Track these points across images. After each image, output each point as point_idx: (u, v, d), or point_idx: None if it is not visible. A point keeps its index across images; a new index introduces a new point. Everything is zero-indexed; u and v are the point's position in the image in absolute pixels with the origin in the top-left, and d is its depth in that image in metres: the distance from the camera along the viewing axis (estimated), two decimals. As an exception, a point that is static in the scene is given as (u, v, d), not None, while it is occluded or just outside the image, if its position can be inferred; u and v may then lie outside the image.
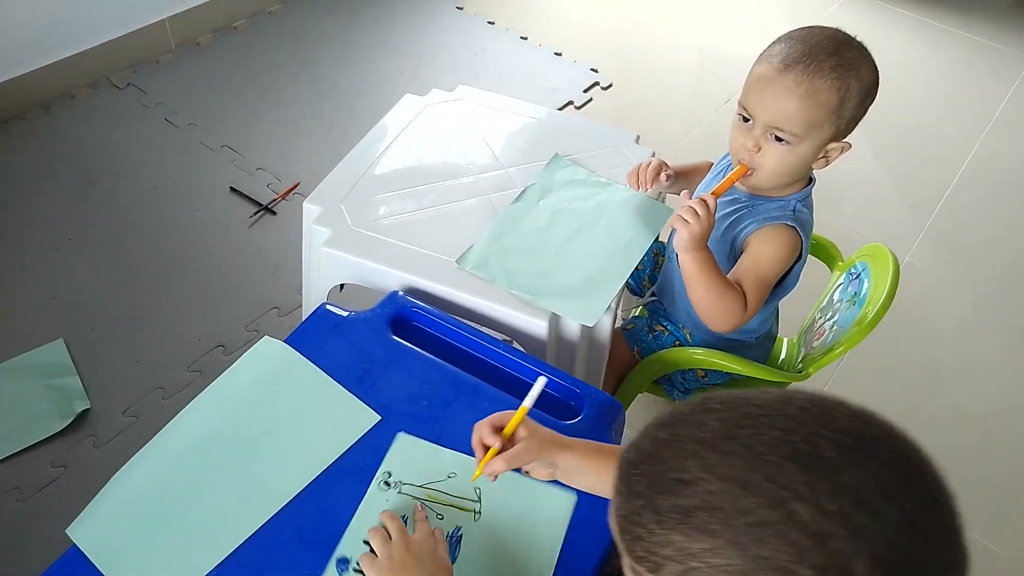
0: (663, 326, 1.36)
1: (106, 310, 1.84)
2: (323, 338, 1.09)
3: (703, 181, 1.33)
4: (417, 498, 0.92)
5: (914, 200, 2.38)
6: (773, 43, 1.10)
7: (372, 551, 0.83)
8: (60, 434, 1.60)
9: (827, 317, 1.34)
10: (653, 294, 1.41)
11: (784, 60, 1.06)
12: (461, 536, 0.89)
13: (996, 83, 2.88)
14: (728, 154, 1.26)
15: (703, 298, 1.14)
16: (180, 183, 2.17)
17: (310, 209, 1.30)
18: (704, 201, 1.08)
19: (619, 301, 1.23)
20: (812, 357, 1.29)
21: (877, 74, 1.08)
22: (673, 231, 1.13)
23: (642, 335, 1.37)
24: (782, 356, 1.44)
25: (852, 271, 1.33)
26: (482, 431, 0.87)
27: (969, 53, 3.03)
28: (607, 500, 0.58)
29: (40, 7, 2.25)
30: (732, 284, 1.14)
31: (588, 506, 0.92)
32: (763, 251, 1.16)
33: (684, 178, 1.36)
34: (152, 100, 2.42)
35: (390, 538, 0.83)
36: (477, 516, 0.91)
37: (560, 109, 2.54)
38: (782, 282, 1.22)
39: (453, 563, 0.86)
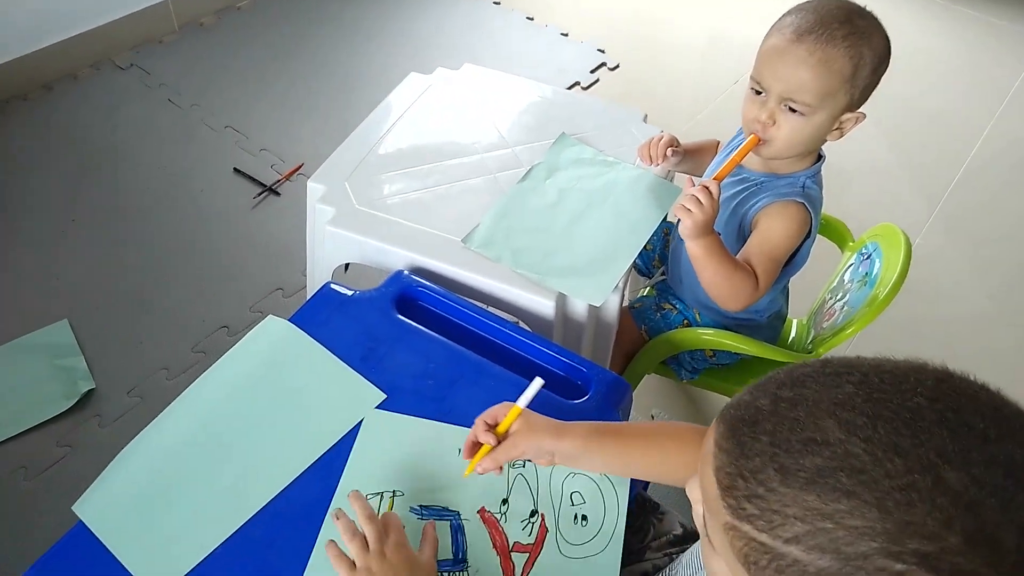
0: (672, 305, 1.35)
1: (110, 291, 1.84)
2: (328, 317, 1.08)
3: (712, 162, 1.31)
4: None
5: (925, 182, 2.36)
6: (784, 15, 1.09)
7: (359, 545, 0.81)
8: (65, 414, 1.60)
9: (837, 298, 1.33)
10: (663, 273, 1.40)
11: (796, 30, 1.05)
12: (461, 525, 0.87)
13: (1009, 64, 2.85)
14: (737, 135, 1.24)
15: (713, 281, 1.13)
16: (183, 164, 2.16)
17: (314, 188, 1.29)
18: (706, 187, 1.07)
19: (627, 281, 1.22)
20: (822, 338, 1.27)
21: (889, 42, 1.07)
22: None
23: (650, 314, 1.36)
24: (791, 337, 1.43)
25: (863, 251, 1.32)
26: (477, 428, 0.87)
27: (983, 34, 2.99)
28: None
29: (42, -14, 2.24)
30: (741, 264, 1.12)
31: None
32: (772, 228, 1.15)
33: (692, 156, 1.35)
34: (155, 81, 2.41)
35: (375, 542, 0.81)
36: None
37: (567, 90, 2.51)
38: (791, 260, 1.20)
39: (463, 555, 0.85)
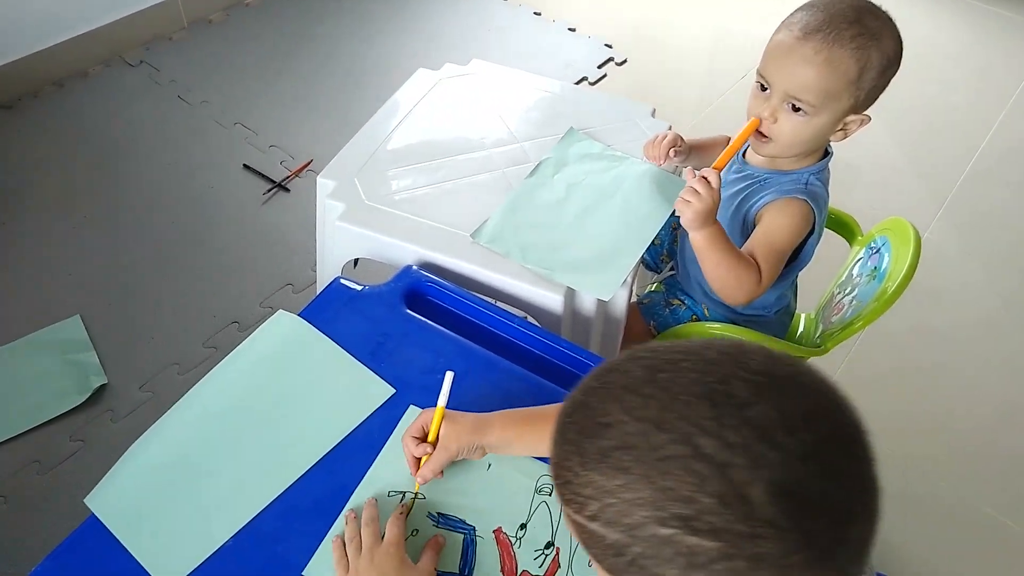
0: (680, 300, 1.35)
1: (121, 287, 1.85)
2: (337, 312, 1.09)
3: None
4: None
5: (933, 177, 2.34)
6: (795, 10, 1.08)
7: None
8: (78, 409, 1.61)
9: (846, 292, 1.32)
10: (671, 268, 1.40)
11: (804, 28, 1.04)
12: (475, 541, 0.87)
13: (1020, 58, 2.82)
14: None
15: (715, 272, 1.13)
16: (193, 161, 2.17)
17: (324, 183, 1.29)
18: (705, 178, 1.06)
19: (635, 276, 1.22)
20: (830, 332, 1.27)
21: (900, 45, 1.05)
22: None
23: (659, 309, 1.36)
24: (800, 331, 1.42)
25: (872, 245, 1.31)
26: (408, 445, 0.88)
27: (993, 27, 2.97)
28: None
29: (52, -16, 2.25)
30: (744, 256, 1.12)
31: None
32: (775, 223, 1.14)
33: (700, 152, 1.34)
34: (165, 78, 2.42)
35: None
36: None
37: (575, 85, 2.51)
38: (797, 256, 1.20)
39: (469, 572, 0.85)
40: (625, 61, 2.65)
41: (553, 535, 0.88)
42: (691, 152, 1.33)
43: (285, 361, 1.02)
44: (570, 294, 1.16)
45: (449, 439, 0.87)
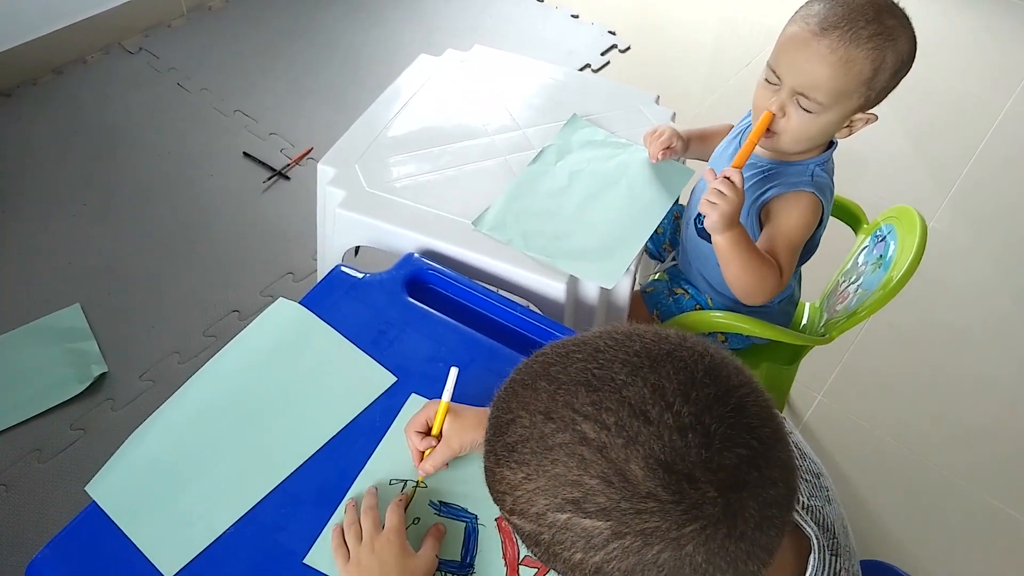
0: (684, 289, 1.34)
1: (122, 275, 1.84)
2: (338, 300, 1.08)
3: (720, 146, 1.29)
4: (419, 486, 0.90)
5: (939, 165, 2.33)
6: (811, 1, 1.04)
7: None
8: (78, 397, 1.61)
9: (851, 280, 1.31)
10: (674, 257, 1.39)
11: (821, 23, 1.00)
12: (476, 529, 0.87)
13: (1022, 45, 2.80)
14: (747, 116, 1.22)
15: (738, 275, 1.11)
16: (193, 148, 2.16)
17: (324, 170, 1.28)
18: (728, 178, 1.04)
19: (638, 264, 1.21)
20: (835, 321, 1.26)
21: (914, 45, 1.02)
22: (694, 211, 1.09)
23: (662, 298, 1.35)
24: (804, 320, 1.41)
25: (877, 233, 1.30)
26: (412, 438, 0.88)
27: (998, 14, 2.94)
28: None
29: (51, -30, 2.23)
30: (766, 256, 1.11)
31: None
32: (788, 219, 1.13)
33: (701, 142, 1.33)
34: (164, 65, 2.40)
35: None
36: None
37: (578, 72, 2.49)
38: (806, 247, 1.19)
39: (471, 559, 0.85)
40: (628, 48, 2.63)
41: None
42: (691, 143, 1.31)
43: (286, 349, 1.02)
44: (573, 282, 1.15)
45: (452, 436, 0.87)
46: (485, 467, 0.57)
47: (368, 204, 1.22)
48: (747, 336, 1.32)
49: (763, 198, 1.15)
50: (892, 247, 1.24)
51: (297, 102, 2.32)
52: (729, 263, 1.11)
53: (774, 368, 1.37)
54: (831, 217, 1.36)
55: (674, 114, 1.42)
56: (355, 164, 1.28)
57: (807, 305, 1.44)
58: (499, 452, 0.55)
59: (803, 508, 0.67)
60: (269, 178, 2.09)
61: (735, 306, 1.29)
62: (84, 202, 2.00)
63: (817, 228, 1.17)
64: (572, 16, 2.74)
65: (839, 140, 1.14)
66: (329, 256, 1.33)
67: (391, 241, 1.21)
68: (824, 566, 0.64)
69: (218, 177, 2.09)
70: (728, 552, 0.49)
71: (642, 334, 0.54)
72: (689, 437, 0.48)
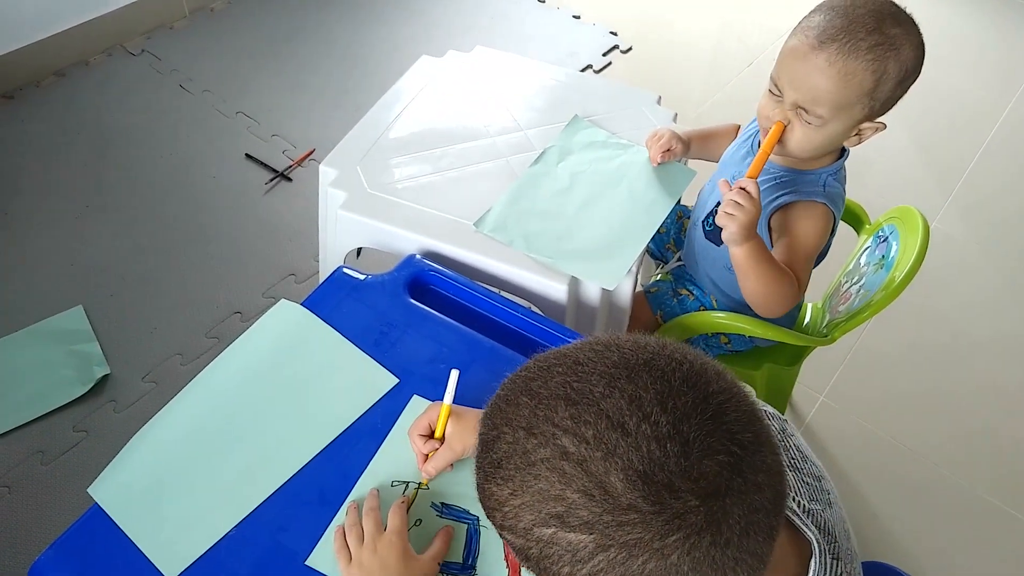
0: (688, 290, 1.34)
1: (124, 277, 1.85)
2: (340, 301, 1.08)
3: (730, 148, 1.28)
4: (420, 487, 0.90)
5: (941, 165, 2.32)
6: (813, 11, 1.03)
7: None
8: (81, 399, 1.61)
9: (853, 281, 1.31)
10: (679, 258, 1.39)
11: (820, 36, 0.99)
12: (479, 531, 0.87)
13: (1028, 45, 2.80)
14: (753, 122, 1.22)
15: (756, 288, 1.10)
16: (195, 150, 2.16)
17: (326, 172, 1.28)
18: (744, 189, 1.03)
19: (640, 264, 1.21)
20: (837, 322, 1.26)
21: (921, 53, 1.00)
22: (702, 208, 1.08)
23: (666, 299, 1.35)
24: (806, 321, 1.41)
25: (880, 234, 1.30)
26: (415, 441, 0.88)
27: (1000, 13, 2.94)
28: None
29: (53, -28, 2.24)
30: (784, 268, 1.10)
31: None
32: (801, 230, 1.13)
33: (706, 142, 1.33)
34: (166, 67, 2.40)
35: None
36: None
37: (579, 72, 2.49)
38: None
39: (473, 561, 0.85)
40: (630, 49, 2.63)
41: None
42: (692, 144, 1.30)
43: (288, 351, 1.02)
44: (574, 283, 1.15)
45: (455, 440, 0.87)
46: (476, 483, 0.58)
47: (370, 205, 1.22)
48: (750, 337, 1.32)
49: (774, 204, 1.14)
50: (894, 248, 1.24)
51: (299, 103, 2.32)
52: (747, 275, 1.09)
53: (776, 369, 1.37)
54: (833, 217, 1.36)
55: (676, 115, 1.42)
56: (357, 166, 1.28)
57: (809, 305, 1.44)
58: (486, 469, 0.55)
59: (804, 512, 0.67)
60: (271, 179, 2.09)
61: (740, 308, 1.28)
62: (87, 204, 2.00)
63: (829, 237, 1.17)
64: (574, 17, 2.74)
65: (849, 148, 1.13)
66: (331, 258, 1.33)
67: (393, 242, 1.21)
68: (826, 570, 0.64)
69: (220, 178, 2.09)
70: (714, 560, 0.49)
71: (621, 344, 0.54)
72: (667, 447, 0.48)
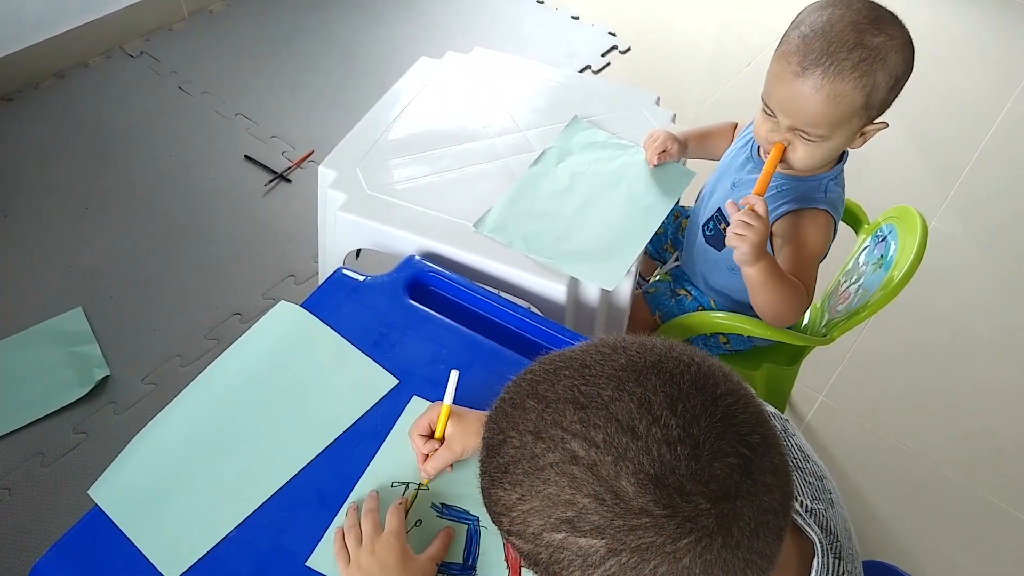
0: (687, 291, 1.34)
1: (124, 278, 1.85)
2: (340, 302, 1.08)
3: (729, 152, 1.27)
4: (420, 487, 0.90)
5: (940, 166, 2.33)
6: (791, 28, 1.01)
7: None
8: (81, 401, 1.61)
9: (852, 280, 1.31)
10: (677, 259, 1.39)
11: (802, 62, 0.97)
12: (479, 531, 0.87)
13: (1025, 44, 2.80)
14: (751, 125, 1.22)
15: (768, 302, 1.11)
16: (195, 151, 2.16)
17: (325, 173, 1.28)
18: (753, 209, 1.03)
19: (639, 265, 1.21)
20: (836, 321, 1.26)
21: (910, 52, 0.99)
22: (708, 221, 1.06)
23: (664, 299, 1.35)
24: (805, 320, 1.41)
25: (878, 233, 1.30)
26: (415, 441, 0.88)
27: (998, 12, 2.94)
28: None
29: (52, -26, 2.24)
30: (794, 280, 1.10)
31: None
32: (806, 239, 1.13)
33: (700, 142, 1.32)
34: (165, 68, 2.40)
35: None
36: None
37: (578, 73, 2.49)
38: None
39: (473, 562, 0.85)
40: (629, 49, 2.63)
41: None
42: (689, 144, 1.30)
43: (287, 352, 1.02)
44: (574, 284, 1.16)
45: (455, 440, 0.87)
46: (481, 487, 0.57)
47: (369, 207, 1.22)
48: (749, 337, 1.32)
49: (777, 213, 1.13)
50: (893, 247, 1.24)
51: (298, 104, 2.32)
52: (760, 292, 1.10)
53: (775, 369, 1.37)
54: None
55: (675, 115, 1.42)
56: (356, 167, 1.28)
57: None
58: (492, 473, 0.55)
59: (806, 512, 0.67)
60: (270, 181, 2.09)
61: (739, 308, 1.29)
62: (86, 205, 2.00)
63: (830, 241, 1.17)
64: (572, 17, 2.74)
65: (851, 150, 1.13)
66: (330, 259, 1.33)
67: (392, 243, 1.21)
68: (828, 570, 0.64)
69: (219, 180, 2.09)
70: (726, 562, 0.49)
71: (627, 346, 0.54)
72: (678, 450, 0.48)
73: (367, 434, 0.94)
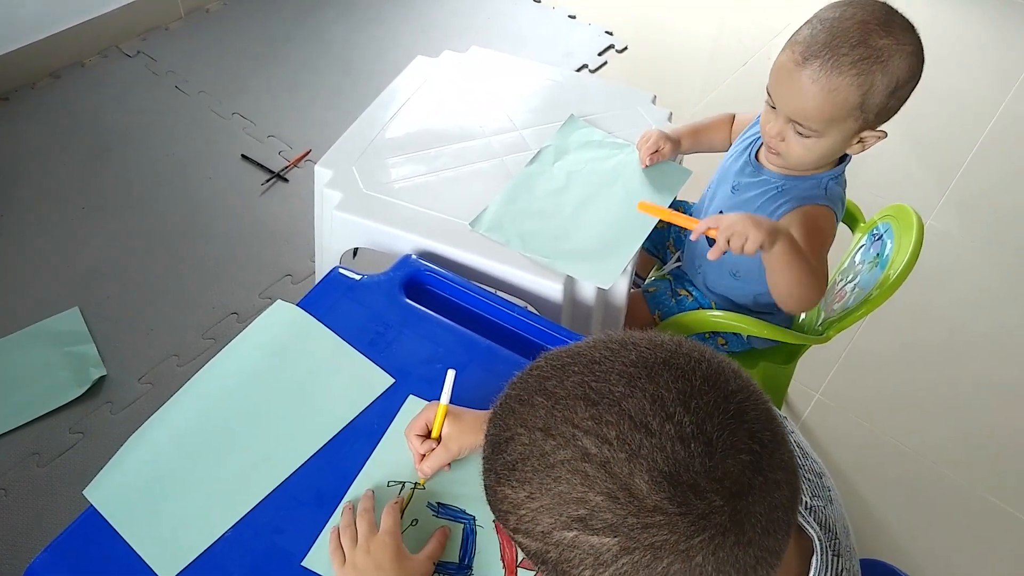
0: (687, 291, 1.34)
1: (120, 278, 1.84)
2: (336, 301, 1.08)
3: (729, 156, 1.24)
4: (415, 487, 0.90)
5: (937, 164, 2.33)
6: (804, 23, 1.02)
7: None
8: (77, 401, 1.61)
9: (848, 279, 1.31)
10: (678, 259, 1.38)
11: (804, 52, 0.98)
12: (475, 531, 0.87)
13: (1021, 43, 2.80)
14: (755, 125, 1.21)
15: (793, 285, 1.06)
16: (192, 151, 2.16)
17: (322, 172, 1.28)
18: (714, 226, 1.01)
19: (635, 264, 1.21)
20: (832, 320, 1.26)
21: (917, 60, 0.98)
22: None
23: (664, 299, 1.35)
24: (802, 319, 1.41)
25: (874, 232, 1.30)
26: (412, 441, 0.88)
27: (994, 11, 2.94)
28: None
29: (48, -27, 2.23)
30: (811, 262, 1.06)
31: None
32: (813, 227, 1.10)
33: (694, 138, 1.31)
34: (162, 68, 2.40)
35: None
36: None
37: (575, 72, 2.49)
38: None
39: (469, 561, 0.85)
40: (626, 48, 2.63)
41: None
42: (683, 141, 1.29)
43: (284, 351, 1.02)
44: (570, 282, 1.15)
45: (452, 440, 0.87)
46: (485, 485, 0.57)
47: (365, 206, 1.22)
48: (747, 339, 1.32)
49: (778, 213, 1.12)
50: (889, 246, 1.24)
51: (295, 103, 2.32)
52: (783, 273, 1.05)
53: (772, 367, 1.37)
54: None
55: (671, 114, 1.42)
56: (352, 166, 1.28)
57: (805, 304, 1.43)
58: (499, 471, 0.54)
59: (806, 509, 0.67)
60: (267, 180, 2.09)
61: (739, 309, 1.28)
62: (82, 205, 2.00)
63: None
64: (569, 16, 2.74)
65: (852, 155, 1.12)
66: (327, 258, 1.33)
67: (388, 243, 1.21)
68: (827, 567, 0.64)
69: (216, 179, 2.09)
70: (737, 559, 0.49)
71: (637, 342, 0.53)
72: (692, 447, 0.48)
73: (363, 433, 0.94)
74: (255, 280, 1.86)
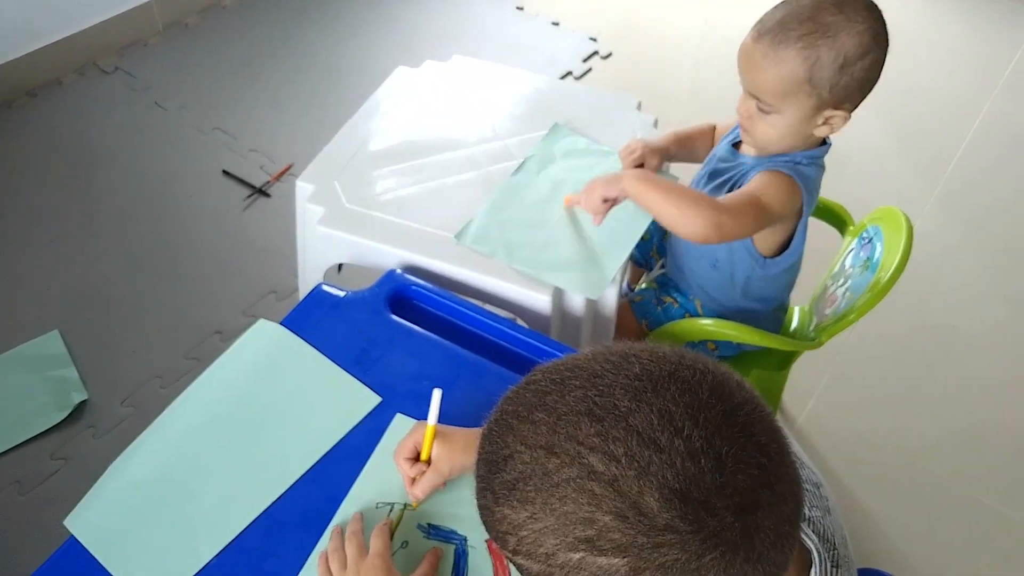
0: (672, 297, 1.33)
1: (101, 299, 1.81)
2: (320, 319, 1.06)
3: (717, 151, 1.25)
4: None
5: (923, 164, 2.33)
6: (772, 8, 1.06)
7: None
8: (59, 426, 1.57)
9: (839, 284, 1.30)
10: (662, 266, 1.38)
11: (759, 28, 1.04)
12: (467, 551, 0.85)
13: (1006, 41, 2.81)
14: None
15: (664, 205, 1.06)
16: (172, 168, 2.13)
17: (303, 187, 1.26)
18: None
19: (624, 273, 1.20)
20: (824, 325, 1.25)
21: (870, 38, 0.99)
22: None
23: (651, 307, 1.34)
24: (794, 325, 1.40)
25: (864, 235, 1.29)
26: (401, 465, 0.86)
27: (978, 10, 2.96)
28: None
29: (22, -9, 2.20)
30: (690, 190, 1.11)
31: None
32: (758, 183, 1.09)
33: (682, 146, 1.31)
34: (141, 84, 2.37)
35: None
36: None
37: (559, 80, 2.48)
38: (788, 244, 1.18)
39: None
40: (610, 55, 2.63)
41: None
42: (670, 150, 1.28)
43: (268, 372, 1.00)
44: (558, 294, 1.14)
45: (442, 461, 0.85)
46: (480, 505, 0.54)
47: (348, 220, 1.20)
48: (738, 344, 1.30)
49: (739, 184, 1.13)
50: (879, 249, 1.23)
51: (276, 117, 2.30)
52: (649, 201, 1.09)
53: (765, 374, 1.35)
54: (818, 220, 1.36)
55: (656, 120, 1.41)
56: (334, 180, 1.26)
57: (796, 309, 1.43)
58: (497, 491, 0.52)
59: (804, 520, 0.66)
60: (249, 196, 2.06)
61: (725, 312, 1.27)
62: (61, 225, 1.97)
63: (797, 220, 1.15)
64: (552, 23, 2.74)
65: (830, 138, 1.12)
66: (310, 274, 1.31)
67: (373, 257, 1.19)
68: None
69: (198, 196, 2.06)
70: (746, 575, 0.48)
71: (639, 354, 0.52)
72: (702, 462, 0.46)
73: (350, 454, 0.92)
74: (239, 298, 1.83)
